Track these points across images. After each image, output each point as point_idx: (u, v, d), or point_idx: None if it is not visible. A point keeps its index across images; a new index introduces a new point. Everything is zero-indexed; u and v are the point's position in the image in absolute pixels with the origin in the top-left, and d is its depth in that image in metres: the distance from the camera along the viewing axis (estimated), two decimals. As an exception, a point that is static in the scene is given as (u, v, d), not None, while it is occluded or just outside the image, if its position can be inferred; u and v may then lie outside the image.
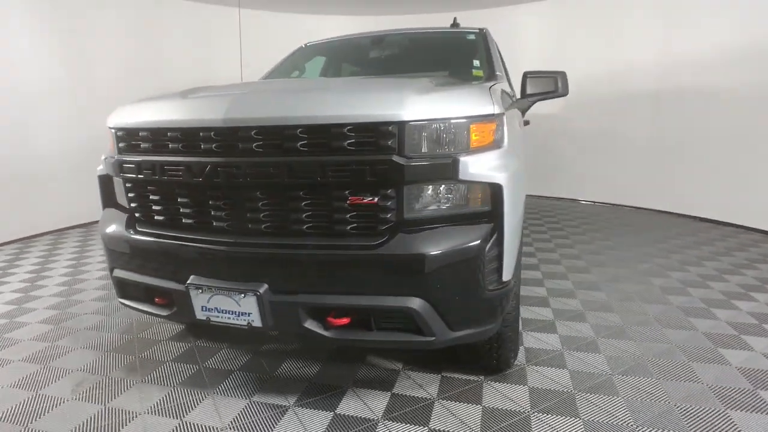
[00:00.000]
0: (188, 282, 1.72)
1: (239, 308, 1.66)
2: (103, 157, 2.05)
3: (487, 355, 2.05)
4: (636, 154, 6.04)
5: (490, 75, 2.62)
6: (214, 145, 1.66)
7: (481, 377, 2.17)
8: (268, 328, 1.69)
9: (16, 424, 1.88)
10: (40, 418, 1.92)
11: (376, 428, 1.83)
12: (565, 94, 2.67)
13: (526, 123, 3.63)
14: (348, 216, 1.62)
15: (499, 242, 1.66)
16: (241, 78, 5.43)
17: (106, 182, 2.10)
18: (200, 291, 1.70)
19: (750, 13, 4.82)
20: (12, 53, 4.68)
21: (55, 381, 2.19)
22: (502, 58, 4.05)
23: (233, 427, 1.84)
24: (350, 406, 1.97)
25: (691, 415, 1.87)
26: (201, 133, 1.68)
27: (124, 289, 2.00)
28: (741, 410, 1.91)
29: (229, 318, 1.70)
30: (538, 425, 1.83)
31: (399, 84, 1.76)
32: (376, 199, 1.59)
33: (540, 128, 6.12)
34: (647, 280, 3.42)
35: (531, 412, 1.91)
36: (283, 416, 1.90)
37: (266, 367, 2.28)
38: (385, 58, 3.26)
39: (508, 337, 1.98)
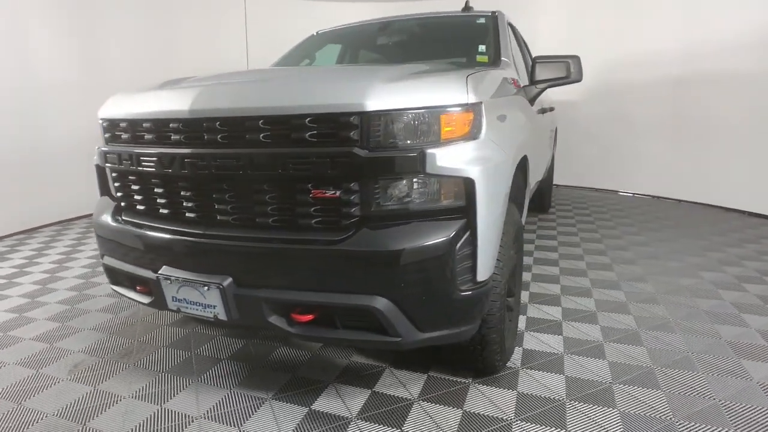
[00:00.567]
0: (159, 272, 1.73)
1: (205, 300, 1.66)
2: (96, 148, 2.11)
3: (471, 358, 1.95)
4: (683, 142, 5.59)
5: (495, 60, 2.47)
6: (182, 137, 1.65)
7: (469, 379, 2.07)
8: (233, 322, 1.67)
9: (10, 401, 1.99)
10: (34, 396, 2.01)
11: (347, 428, 1.78)
12: (578, 79, 2.51)
13: (543, 111, 3.42)
14: (312, 210, 1.56)
15: (473, 240, 1.56)
16: (247, 66, 5.45)
17: (100, 172, 2.16)
18: (169, 282, 1.71)
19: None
20: (24, 44, 4.65)
21: (56, 361, 2.29)
22: (523, 42, 3.85)
23: (208, 417, 1.86)
24: (327, 402, 1.93)
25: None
26: (171, 125, 1.67)
27: (113, 275, 2.06)
28: None
29: (196, 310, 1.70)
30: (517, 435, 1.72)
31: (364, 72, 1.68)
32: (338, 193, 1.52)
33: (582, 115, 5.79)
34: (674, 280, 3.17)
35: (513, 420, 1.81)
36: (258, 408, 1.90)
37: (255, 357, 2.29)
38: (393, 44, 3.16)
39: (492, 339, 1.87)
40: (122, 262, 1.94)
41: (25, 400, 1.99)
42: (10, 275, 3.53)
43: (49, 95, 4.91)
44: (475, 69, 1.84)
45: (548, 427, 1.76)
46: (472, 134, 1.57)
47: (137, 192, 1.89)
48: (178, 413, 1.88)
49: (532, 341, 2.40)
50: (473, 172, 1.52)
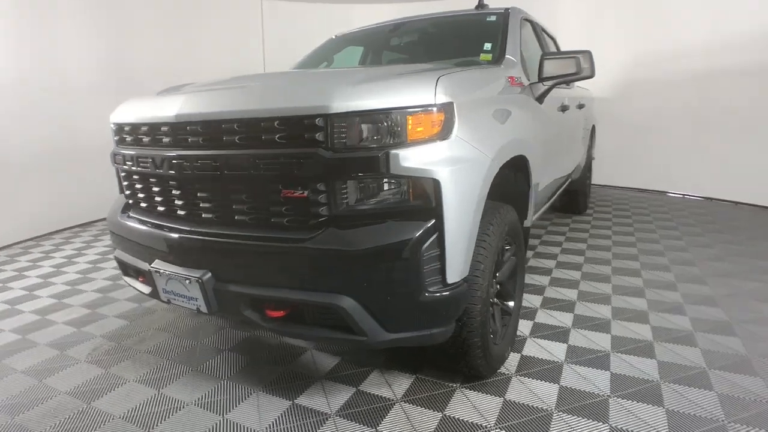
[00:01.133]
0: (151, 265, 1.85)
1: (188, 293, 1.75)
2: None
3: (453, 362, 1.92)
4: (740, 140, 5.15)
5: (498, 58, 2.41)
6: (170, 140, 1.76)
7: (457, 384, 2.04)
8: (213, 314, 1.76)
9: (33, 377, 2.20)
10: (53, 375, 2.21)
11: (325, 423, 1.82)
12: (590, 75, 2.41)
13: (564, 108, 3.26)
14: (283, 209, 1.61)
15: (440, 241, 1.54)
16: (264, 69, 5.59)
17: (115, 172, 2.33)
18: (159, 274, 1.82)
19: None
20: (57, 48, 4.68)
21: (80, 344, 2.50)
22: (548, 38, 3.70)
23: (198, 404, 1.96)
24: (311, 398, 1.98)
25: None
26: (162, 128, 1.79)
27: (123, 267, 2.22)
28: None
29: (183, 301, 1.80)
30: (492, 443, 1.68)
31: (334, 76, 1.70)
32: (306, 193, 1.56)
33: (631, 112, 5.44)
34: (700, 289, 2.94)
35: (492, 428, 1.76)
36: (244, 400, 1.97)
37: (254, 350, 2.38)
38: (411, 44, 3.15)
39: (474, 344, 1.83)
40: (128, 255, 2.09)
41: (45, 378, 2.19)
42: (58, 264, 3.88)
43: (77, 96, 4.92)
44: (456, 69, 1.81)
45: (527, 437, 1.70)
46: (442, 135, 1.55)
47: (138, 190, 2.03)
48: (172, 398, 2.00)
49: (534, 348, 2.32)
50: (440, 173, 1.50)
